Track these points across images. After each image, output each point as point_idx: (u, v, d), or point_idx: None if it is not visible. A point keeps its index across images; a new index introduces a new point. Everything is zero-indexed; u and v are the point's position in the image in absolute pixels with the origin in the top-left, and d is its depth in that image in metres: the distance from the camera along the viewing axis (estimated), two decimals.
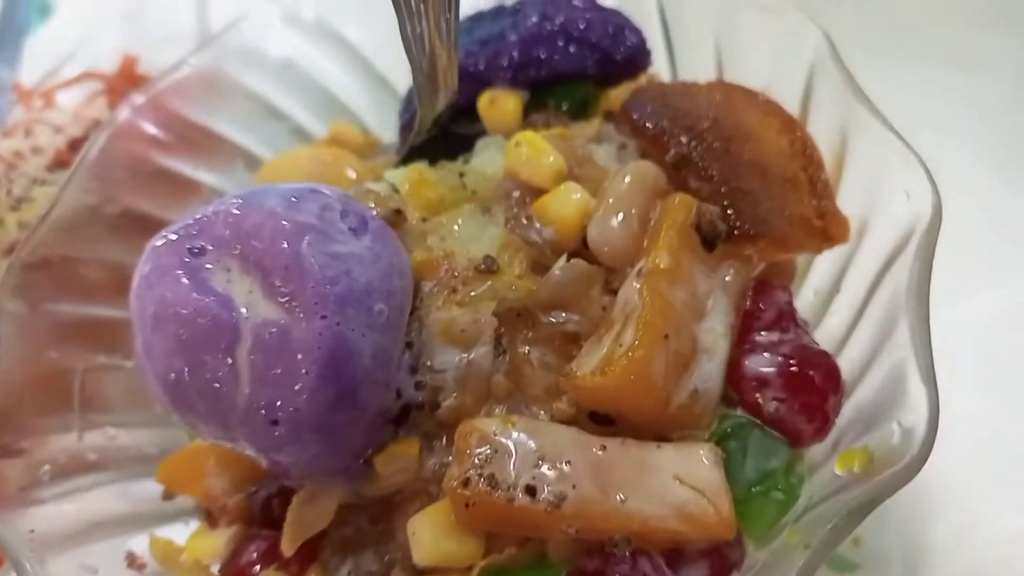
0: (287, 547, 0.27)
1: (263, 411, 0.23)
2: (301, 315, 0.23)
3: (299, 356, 0.23)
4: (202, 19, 0.57)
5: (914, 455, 0.22)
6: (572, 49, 0.35)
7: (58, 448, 0.31)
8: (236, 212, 0.24)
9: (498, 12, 0.37)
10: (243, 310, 0.23)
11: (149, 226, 0.34)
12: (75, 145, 0.49)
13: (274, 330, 0.23)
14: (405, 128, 0.38)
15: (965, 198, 0.34)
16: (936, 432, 0.22)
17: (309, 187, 0.25)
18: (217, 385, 0.23)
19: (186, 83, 0.37)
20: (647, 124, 0.30)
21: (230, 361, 0.23)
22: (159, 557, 0.29)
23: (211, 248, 0.24)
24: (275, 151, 0.39)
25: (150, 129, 0.36)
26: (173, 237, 0.25)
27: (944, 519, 0.34)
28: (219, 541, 0.29)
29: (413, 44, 0.30)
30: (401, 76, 0.41)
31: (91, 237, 0.35)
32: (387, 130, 0.42)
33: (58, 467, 0.31)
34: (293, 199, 0.24)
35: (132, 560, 0.29)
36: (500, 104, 0.34)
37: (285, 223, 0.24)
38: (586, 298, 0.28)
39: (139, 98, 0.36)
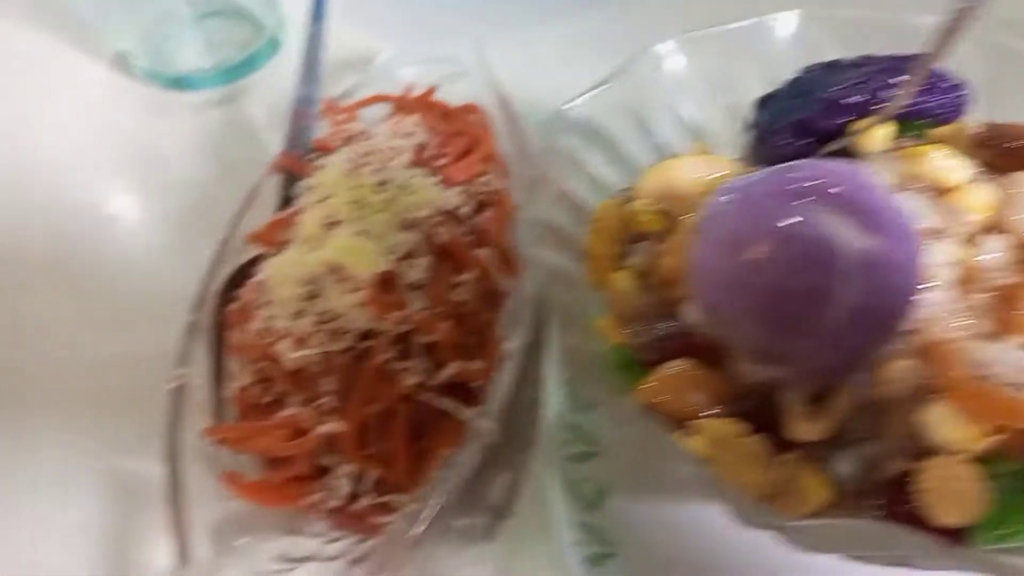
0: (806, 432, 0.35)
1: (860, 316, 0.32)
2: (895, 242, 0.32)
3: (895, 273, 0.32)
4: (482, 59, 0.67)
5: None
6: (924, 96, 0.46)
7: None
8: (818, 173, 0.34)
9: (857, 63, 0.48)
10: (847, 239, 0.32)
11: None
12: (420, 150, 0.58)
13: (875, 253, 0.32)
14: (759, 139, 0.48)
15: None
16: None
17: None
18: (816, 294, 0.32)
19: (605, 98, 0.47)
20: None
21: (832, 279, 0.32)
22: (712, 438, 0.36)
23: (805, 198, 0.33)
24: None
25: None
26: (770, 185, 0.34)
27: None
28: None
29: None
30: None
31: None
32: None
33: None
34: (858, 168, 0.34)
35: None
36: (877, 129, 0.44)
37: (866, 178, 0.33)
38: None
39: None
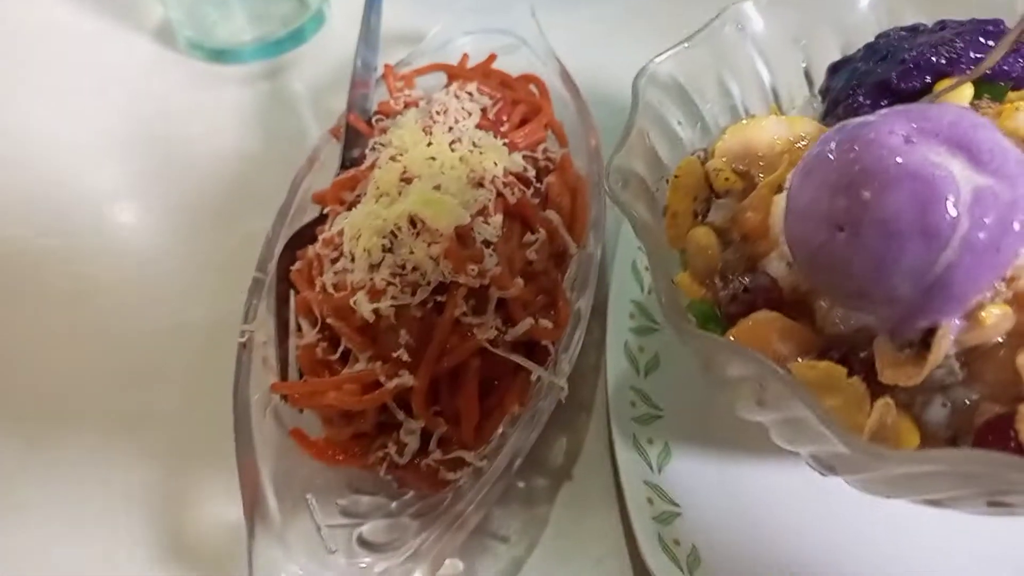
0: (900, 377, 0.35)
1: (968, 256, 0.32)
2: (1007, 182, 0.32)
3: (1010, 211, 0.32)
4: (539, 31, 0.67)
5: None
6: (1007, 59, 0.45)
7: None
8: (927, 113, 0.33)
9: (935, 27, 0.48)
10: (959, 177, 0.32)
11: None
12: (484, 114, 0.58)
13: (987, 191, 0.32)
14: (834, 102, 0.48)
15: None
16: None
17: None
18: (928, 232, 0.32)
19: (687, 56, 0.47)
20: None
21: (946, 216, 0.32)
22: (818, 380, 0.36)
23: (916, 137, 0.33)
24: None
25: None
26: (880, 125, 0.33)
27: None
28: None
29: None
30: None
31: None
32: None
33: None
34: (969, 110, 0.34)
35: None
36: (957, 90, 0.44)
37: (976, 119, 0.33)
38: None
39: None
